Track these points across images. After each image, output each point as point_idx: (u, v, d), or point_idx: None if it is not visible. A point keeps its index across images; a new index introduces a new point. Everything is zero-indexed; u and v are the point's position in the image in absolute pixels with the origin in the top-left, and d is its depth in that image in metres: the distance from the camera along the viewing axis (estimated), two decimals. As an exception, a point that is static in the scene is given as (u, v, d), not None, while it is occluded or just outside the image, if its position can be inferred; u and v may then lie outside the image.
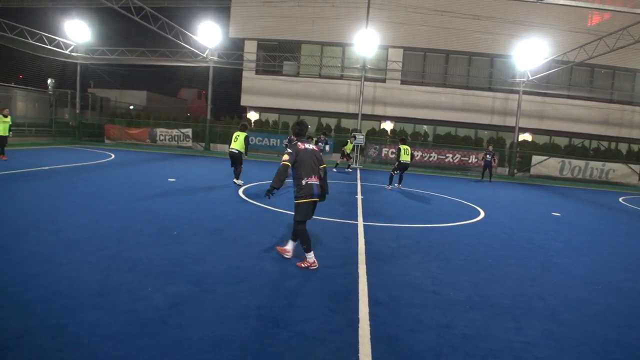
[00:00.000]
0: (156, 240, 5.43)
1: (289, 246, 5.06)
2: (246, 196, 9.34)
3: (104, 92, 32.84)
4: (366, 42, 20.30)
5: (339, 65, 24.61)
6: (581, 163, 22.69)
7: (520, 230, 8.34)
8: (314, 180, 4.76)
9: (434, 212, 9.56)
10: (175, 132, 22.80)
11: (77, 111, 24.61)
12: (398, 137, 18.60)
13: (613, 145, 25.34)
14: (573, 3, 15.70)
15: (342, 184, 13.46)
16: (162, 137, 22.71)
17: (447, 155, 22.27)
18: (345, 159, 17.93)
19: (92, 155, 16.47)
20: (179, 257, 4.80)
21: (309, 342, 3.10)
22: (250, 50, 24.42)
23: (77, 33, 21.75)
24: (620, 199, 16.09)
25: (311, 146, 4.85)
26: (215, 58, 23.05)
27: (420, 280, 4.79)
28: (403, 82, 24.42)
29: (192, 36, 21.23)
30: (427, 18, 22.77)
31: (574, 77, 24.52)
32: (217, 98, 26.05)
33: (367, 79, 23.17)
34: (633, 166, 23.06)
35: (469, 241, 6.93)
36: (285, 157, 4.66)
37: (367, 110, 23.61)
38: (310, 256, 4.78)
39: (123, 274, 4.17)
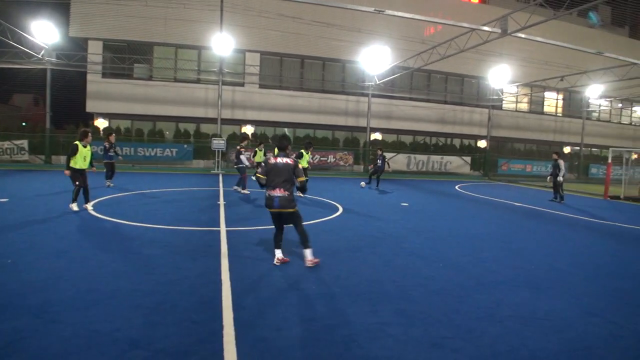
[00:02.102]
0: (-16, 273, 4.91)
1: (308, 254, 5.62)
2: (96, 212, 8.80)
3: None
4: (222, 45, 20.52)
5: (196, 68, 24.17)
6: (424, 157, 25.81)
7: (374, 221, 9.45)
8: (276, 193, 5.45)
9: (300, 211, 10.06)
10: (7, 144, 20.33)
11: None
12: (302, 142, 18.80)
13: (449, 140, 29.02)
14: (409, 15, 17.90)
15: (204, 190, 13.41)
16: (-10, 151, 19.93)
17: (315, 155, 23.30)
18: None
19: None
20: (17, 287, 4.46)
21: (171, 358, 3.17)
22: (95, 51, 22.96)
23: None
24: (457, 187, 18.79)
25: (285, 160, 5.50)
26: (54, 59, 21.40)
27: (284, 279, 5.17)
28: (262, 86, 25.35)
29: (24, 34, 19.07)
30: (281, 24, 24.04)
31: (414, 82, 27.78)
32: (58, 104, 24.10)
33: (225, 83, 23.62)
34: (465, 158, 26.77)
35: (328, 236, 7.66)
36: (259, 170, 5.60)
37: (227, 114, 23.97)
38: (277, 252, 5.71)
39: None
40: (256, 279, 5.10)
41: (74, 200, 8.88)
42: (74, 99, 25.94)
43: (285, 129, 26.72)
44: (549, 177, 15.09)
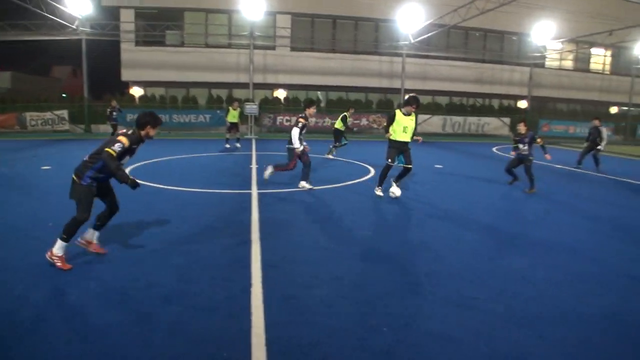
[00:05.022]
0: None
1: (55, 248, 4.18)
2: (135, 176, 8.99)
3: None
4: (252, 8, 20.23)
5: (226, 33, 24.06)
6: (460, 119, 25.14)
7: (407, 183, 9.23)
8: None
9: (329, 174, 10.19)
10: (48, 115, 21.08)
11: None
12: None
13: (487, 101, 28.05)
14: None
15: (237, 154, 13.63)
16: (33, 122, 20.93)
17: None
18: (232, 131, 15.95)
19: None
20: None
21: (201, 313, 3.27)
22: (127, 20, 23.08)
23: None
24: (494, 149, 18.12)
25: (123, 130, 4.39)
26: (88, 29, 21.62)
27: (315, 239, 5.25)
28: (293, 49, 25.08)
29: (58, 5, 19.36)
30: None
31: (451, 40, 26.83)
32: (95, 74, 24.53)
33: (256, 47, 23.42)
34: (504, 119, 25.90)
35: (360, 198, 7.72)
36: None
37: (259, 79, 23.93)
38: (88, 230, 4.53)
39: None
40: (286, 240, 5.18)
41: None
42: (109, 69, 26.48)
43: (318, 92, 26.45)
44: (586, 143, 13.46)
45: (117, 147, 4.05)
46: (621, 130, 30.19)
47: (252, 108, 21.20)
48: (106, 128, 20.35)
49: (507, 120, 26.38)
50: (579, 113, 30.65)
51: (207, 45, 24.75)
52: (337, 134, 13.34)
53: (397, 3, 23.17)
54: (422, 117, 24.88)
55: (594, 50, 30.75)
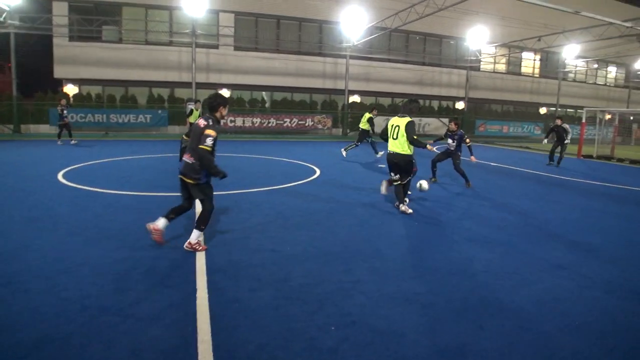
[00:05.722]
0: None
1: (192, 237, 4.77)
2: (68, 180, 8.67)
3: None
4: (194, 5, 19.79)
5: (167, 30, 23.40)
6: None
7: (350, 182, 9.63)
8: (185, 158, 4.70)
9: (274, 175, 10.27)
10: (-30, 114, 19.46)
11: None
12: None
13: (427, 102, 28.99)
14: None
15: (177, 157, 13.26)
16: (-47, 121, 19.19)
17: (284, 120, 23.24)
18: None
19: None
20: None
21: (142, 323, 3.17)
22: (60, 13, 21.84)
23: None
24: (435, 148, 18.51)
25: (201, 121, 4.61)
26: (17, 22, 20.26)
27: (259, 241, 5.22)
28: (237, 48, 24.75)
29: (-19, -4, 18.07)
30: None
31: (392, 43, 27.54)
32: (25, 71, 22.91)
33: (198, 45, 22.78)
34: (443, 119, 26.83)
35: (306, 198, 7.79)
36: None
37: (202, 78, 23.46)
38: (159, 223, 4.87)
39: None
40: (231, 242, 5.13)
41: None
42: (41, 65, 24.93)
43: (263, 93, 26.32)
44: (545, 141, 15.42)
45: (209, 141, 4.44)
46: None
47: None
48: (38, 129, 19.23)
49: (446, 120, 27.53)
50: (511, 114, 32.53)
51: (147, 42, 23.91)
52: (363, 135, 14.24)
53: (341, 5, 23.54)
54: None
55: (524, 55, 32.65)
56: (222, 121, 4.78)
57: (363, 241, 5.37)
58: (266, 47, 25.44)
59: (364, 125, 14.34)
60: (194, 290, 3.72)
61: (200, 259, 4.49)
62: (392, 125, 6.64)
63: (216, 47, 24.61)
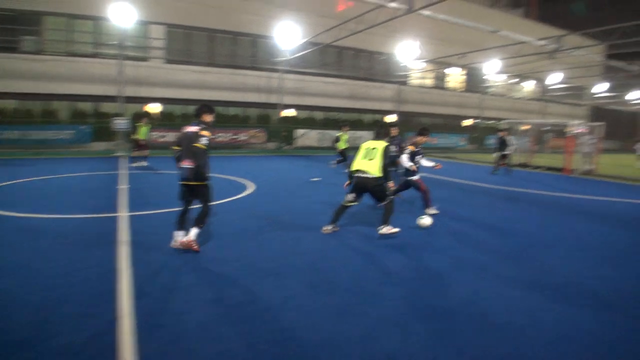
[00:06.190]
0: None
1: (192, 235, 5.29)
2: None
3: None
4: (123, 16, 18.98)
5: (92, 41, 22.38)
6: (336, 133, 25.94)
7: (284, 197, 9.59)
8: (184, 164, 5.11)
9: None
10: None
11: None
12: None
13: (360, 116, 29.77)
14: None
15: (103, 174, 12.73)
16: None
17: (218, 134, 22.92)
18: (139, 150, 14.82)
19: None
20: None
21: (61, 357, 2.98)
22: (-29, 22, 20.16)
23: None
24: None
25: (192, 129, 5.13)
26: None
27: (189, 261, 5.03)
28: (168, 61, 24.06)
29: None
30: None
31: (326, 58, 28.01)
32: None
33: (126, 58, 21.77)
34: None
35: (238, 214, 7.62)
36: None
37: (131, 92, 22.46)
38: (178, 234, 5.34)
39: None
40: (159, 264, 4.89)
41: None
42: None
43: (195, 107, 25.71)
44: (496, 153, 16.48)
45: (204, 140, 5.01)
46: (473, 141, 34.27)
47: (122, 123, 19.95)
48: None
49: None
50: (439, 126, 34.12)
51: (70, 54, 22.69)
52: (343, 153, 15.02)
53: (275, 20, 23.61)
54: (300, 131, 25.68)
55: (450, 71, 34.49)
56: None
57: (296, 256, 5.34)
58: (199, 61, 25.01)
59: (343, 145, 15.04)
60: (117, 318, 3.52)
61: (124, 282, 4.27)
62: (368, 148, 6.48)
63: (145, 59, 23.86)
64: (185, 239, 5.21)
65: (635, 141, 23.89)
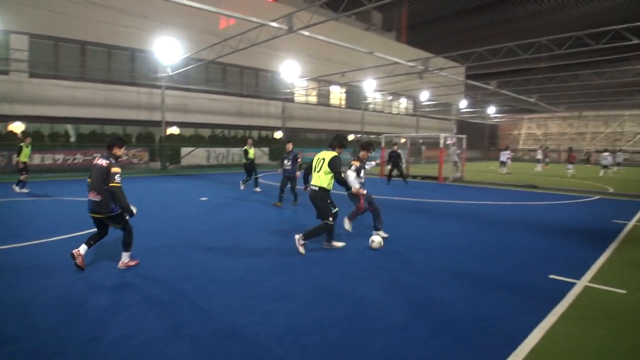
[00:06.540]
0: None
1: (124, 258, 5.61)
2: None
3: None
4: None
5: None
6: (223, 150, 26.10)
7: (171, 218, 9.22)
8: (90, 197, 5.24)
9: (81, 218, 8.41)
10: None
11: None
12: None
13: (247, 133, 29.97)
14: (197, 5, 17.46)
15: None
16: None
17: (94, 155, 21.35)
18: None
19: None
20: None
21: None
22: None
23: None
24: (257, 177, 19.01)
25: (101, 162, 5.20)
26: None
27: (60, 296, 4.59)
28: (33, 75, 21.81)
29: None
30: (54, 1, 20.78)
31: (210, 74, 27.75)
32: None
33: (-20, 71, 19.40)
34: (263, 149, 27.93)
35: (117, 238, 7.00)
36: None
37: (-14, 109, 19.90)
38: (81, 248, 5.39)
39: None
40: (25, 303, 4.38)
41: None
42: None
43: (67, 125, 23.76)
44: (388, 166, 18.37)
45: (118, 178, 5.10)
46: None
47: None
48: None
49: (266, 149, 28.77)
50: (324, 141, 35.55)
51: None
52: (249, 170, 14.77)
53: (154, 35, 22.72)
54: (186, 149, 24.99)
55: (332, 88, 36.25)
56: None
57: (186, 280, 5.18)
58: (69, 75, 23.11)
59: (252, 156, 14.83)
60: None
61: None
62: (318, 159, 6.57)
63: (6, 73, 21.47)
64: (120, 263, 5.55)
65: (499, 150, 27.49)
